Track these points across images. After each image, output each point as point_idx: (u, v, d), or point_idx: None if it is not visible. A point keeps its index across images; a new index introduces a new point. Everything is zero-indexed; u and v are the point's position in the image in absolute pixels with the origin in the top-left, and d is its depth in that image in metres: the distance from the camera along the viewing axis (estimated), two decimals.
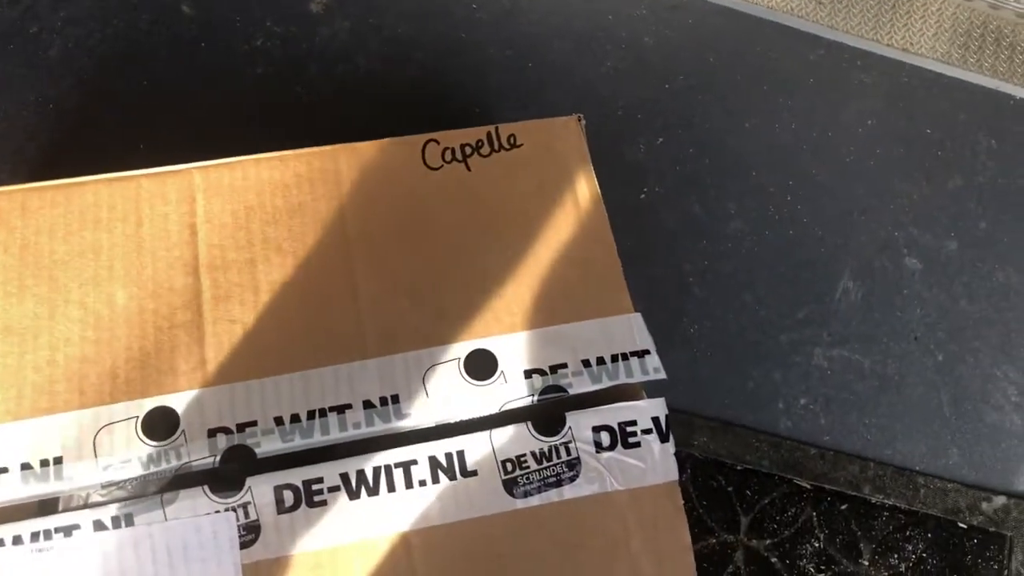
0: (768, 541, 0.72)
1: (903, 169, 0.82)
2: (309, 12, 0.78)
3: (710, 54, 0.83)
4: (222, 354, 0.47)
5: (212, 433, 0.45)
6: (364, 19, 0.79)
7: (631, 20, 0.82)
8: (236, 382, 0.46)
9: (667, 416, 0.48)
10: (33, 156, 0.72)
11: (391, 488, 0.45)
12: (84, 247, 0.49)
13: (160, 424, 0.45)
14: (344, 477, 0.45)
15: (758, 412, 0.75)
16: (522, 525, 0.45)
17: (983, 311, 0.80)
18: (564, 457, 0.47)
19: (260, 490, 0.44)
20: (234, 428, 0.45)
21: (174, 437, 0.45)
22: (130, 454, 0.44)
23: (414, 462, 0.46)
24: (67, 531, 0.42)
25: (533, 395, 0.48)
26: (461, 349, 0.48)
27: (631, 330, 0.50)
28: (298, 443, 0.45)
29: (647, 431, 0.47)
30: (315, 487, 0.44)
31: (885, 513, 0.74)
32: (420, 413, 0.47)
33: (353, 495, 0.45)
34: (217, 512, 0.43)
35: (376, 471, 0.45)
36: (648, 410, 0.48)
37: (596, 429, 0.47)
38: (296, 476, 0.45)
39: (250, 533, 0.43)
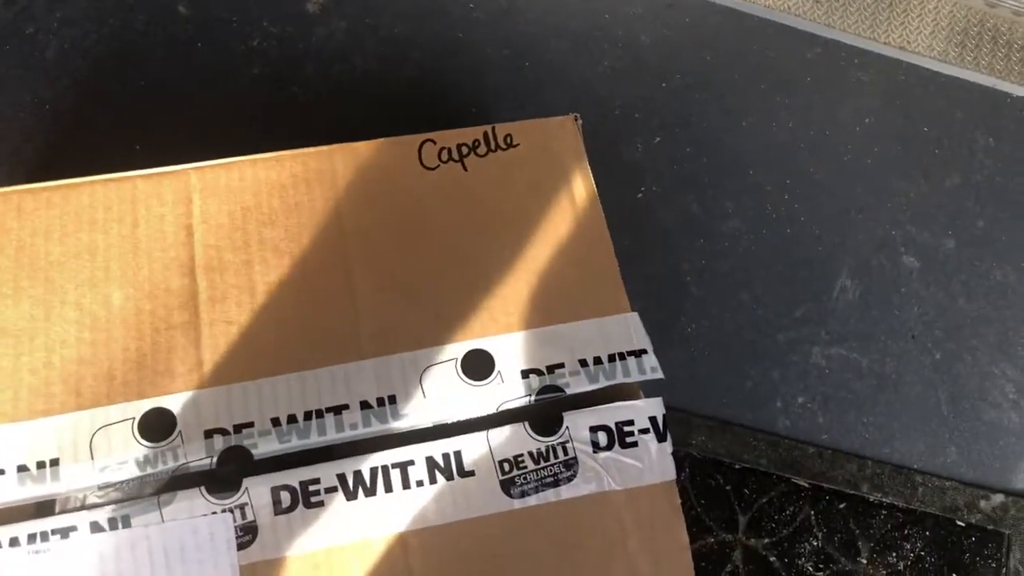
0: (766, 540, 0.72)
1: (901, 167, 0.82)
2: (306, 12, 0.78)
3: (707, 53, 0.83)
4: (219, 355, 0.47)
5: (209, 434, 0.45)
6: (361, 19, 0.79)
7: (628, 19, 0.82)
8: (233, 383, 0.46)
9: (664, 416, 0.48)
10: (29, 157, 0.72)
11: (388, 489, 0.45)
12: (80, 248, 0.48)
13: (157, 425, 0.45)
14: (341, 478, 0.45)
15: (756, 411, 0.75)
16: (519, 525, 0.45)
17: (981, 309, 0.80)
18: (561, 457, 0.46)
19: (257, 491, 0.44)
20: (231, 429, 0.45)
21: (171, 438, 0.45)
22: (127, 456, 0.44)
23: (411, 462, 0.45)
24: (64, 533, 0.42)
25: (530, 395, 0.47)
26: (458, 349, 0.48)
27: (628, 329, 0.50)
28: (295, 444, 0.45)
29: (644, 431, 0.47)
30: (312, 488, 0.44)
31: (883, 511, 0.74)
32: (417, 413, 0.47)
33: (350, 496, 0.45)
34: (214, 513, 0.43)
35: (373, 472, 0.45)
36: (645, 410, 0.48)
37: (593, 429, 0.47)
38: (293, 477, 0.44)
39: (247, 534, 0.43)
